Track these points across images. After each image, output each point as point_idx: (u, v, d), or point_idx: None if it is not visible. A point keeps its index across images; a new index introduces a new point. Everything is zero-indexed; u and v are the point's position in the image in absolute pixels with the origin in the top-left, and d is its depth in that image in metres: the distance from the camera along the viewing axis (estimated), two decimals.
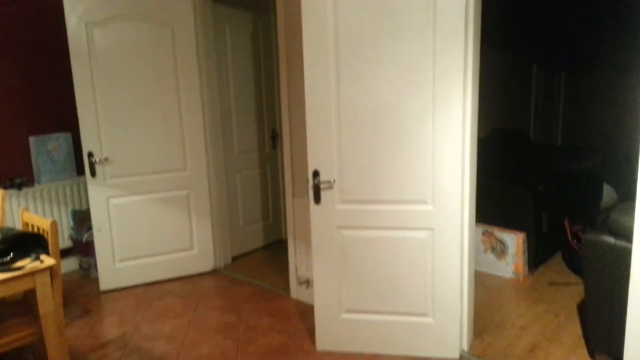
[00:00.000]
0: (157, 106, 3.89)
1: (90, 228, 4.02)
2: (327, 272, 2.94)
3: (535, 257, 4.12)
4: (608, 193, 5.34)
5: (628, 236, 2.66)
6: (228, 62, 4.34)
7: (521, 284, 3.87)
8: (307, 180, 2.92)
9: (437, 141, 2.68)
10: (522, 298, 3.65)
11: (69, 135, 4.21)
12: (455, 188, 2.72)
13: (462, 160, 2.70)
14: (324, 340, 3.03)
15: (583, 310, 3.40)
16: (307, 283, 3.62)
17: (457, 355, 2.91)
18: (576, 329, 3.22)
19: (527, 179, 4.73)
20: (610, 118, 6.21)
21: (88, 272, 4.21)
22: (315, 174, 2.82)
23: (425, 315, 2.90)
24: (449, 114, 2.63)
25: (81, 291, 3.95)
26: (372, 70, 2.67)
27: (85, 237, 4.14)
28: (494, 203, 4.25)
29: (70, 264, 4.33)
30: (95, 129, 3.75)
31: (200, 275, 4.20)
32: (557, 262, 4.30)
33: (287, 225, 3.69)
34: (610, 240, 2.80)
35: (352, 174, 2.80)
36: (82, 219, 4.19)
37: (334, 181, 2.82)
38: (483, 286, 3.86)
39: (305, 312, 3.49)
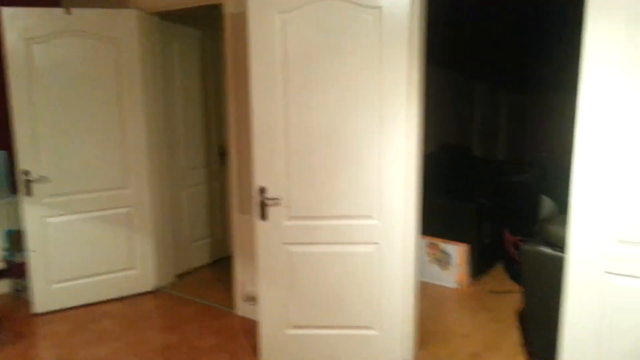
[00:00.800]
0: (99, 123, 3.77)
1: (24, 248, 3.83)
2: (272, 288, 2.91)
3: (478, 267, 4.22)
4: (548, 205, 5.55)
5: (563, 246, 2.76)
6: (175, 79, 4.27)
7: (464, 293, 3.95)
8: (254, 197, 2.89)
9: (382, 158, 2.72)
10: (465, 307, 3.72)
11: (4, 153, 4.02)
12: (400, 203, 2.77)
13: (407, 175, 2.77)
14: (270, 357, 2.98)
15: (523, 317, 3.50)
16: (253, 300, 3.56)
17: None
18: (516, 336, 3.31)
19: (470, 192, 4.86)
20: (551, 134, 6.48)
21: (22, 294, 4.00)
22: (262, 190, 2.80)
23: (371, 328, 2.91)
24: (394, 131, 2.69)
25: (14, 314, 3.74)
26: (320, 90, 2.69)
27: (19, 258, 3.93)
28: (440, 216, 4.34)
29: (3, 287, 4.11)
30: (32, 146, 3.59)
31: (142, 295, 4.07)
32: (498, 272, 4.42)
33: (234, 242, 3.64)
34: (547, 250, 2.90)
35: (299, 191, 2.79)
36: (16, 239, 3.99)
37: (280, 198, 2.80)
38: (428, 297, 3.91)
39: (252, 330, 3.43)
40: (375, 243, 2.82)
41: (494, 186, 5.22)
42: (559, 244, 2.81)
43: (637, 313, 2.41)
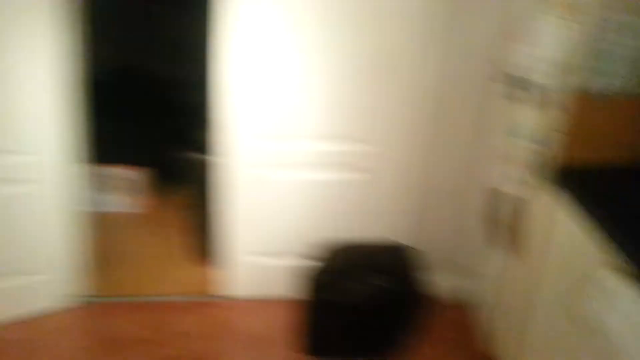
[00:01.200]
0: None
1: None
2: None
3: (159, 188, 4.26)
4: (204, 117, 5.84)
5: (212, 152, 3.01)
6: None
7: (144, 216, 3.96)
8: None
9: (17, 84, 2.39)
10: (145, 229, 3.75)
11: None
12: (53, 134, 2.54)
13: (58, 103, 2.51)
14: None
15: (196, 225, 3.68)
16: None
17: (76, 301, 2.86)
18: (193, 243, 3.48)
19: (142, 114, 4.77)
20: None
21: None
22: None
23: (34, 273, 2.70)
24: (31, 57, 2.38)
25: None
26: None
27: None
28: (116, 142, 4.16)
29: None
30: None
31: None
32: (178, 189, 4.53)
33: None
34: (202, 157, 3.12)
35: None
36: None
37: None
38: (105, 226, 3.69)
39: None
40: (31, 181, 2.55)
41: (165, 105, 5.24)
42: (209, 150, 3.05)
43: (282, 200, 2.83)
